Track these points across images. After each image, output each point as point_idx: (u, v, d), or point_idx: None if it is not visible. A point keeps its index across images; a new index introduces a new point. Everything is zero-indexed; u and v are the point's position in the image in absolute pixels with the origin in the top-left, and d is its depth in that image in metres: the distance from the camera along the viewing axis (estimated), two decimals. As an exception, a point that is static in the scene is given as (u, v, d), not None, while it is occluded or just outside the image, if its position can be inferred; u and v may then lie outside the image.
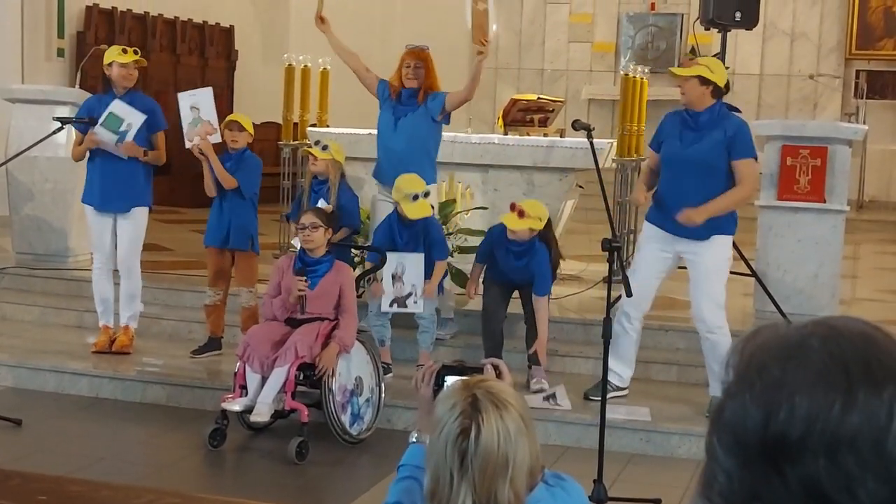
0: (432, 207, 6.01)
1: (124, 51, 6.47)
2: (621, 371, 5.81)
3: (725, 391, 0.97)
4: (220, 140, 6.30)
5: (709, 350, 5.58)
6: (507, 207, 5.99)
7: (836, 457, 0.89)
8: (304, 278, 5.43)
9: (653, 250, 5.63)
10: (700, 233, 5.46)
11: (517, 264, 5.91)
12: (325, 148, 6.37)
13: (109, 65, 6.42)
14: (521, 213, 5.82)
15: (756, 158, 5.51)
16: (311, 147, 6.52)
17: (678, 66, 5.72)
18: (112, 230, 6.52)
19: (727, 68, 7.80)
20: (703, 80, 5.40)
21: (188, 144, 6.32)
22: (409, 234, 6.02)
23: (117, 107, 6.33)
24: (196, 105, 6.34)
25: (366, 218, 6.88)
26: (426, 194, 5.92)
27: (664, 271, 5.70)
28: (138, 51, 6.56)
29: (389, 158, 6.46)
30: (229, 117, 6.42)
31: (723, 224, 5.53)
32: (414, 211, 5.88)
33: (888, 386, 0.91)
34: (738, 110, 5.76)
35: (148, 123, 6.42)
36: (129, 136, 6.30)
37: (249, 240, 6.40)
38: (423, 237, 6.03)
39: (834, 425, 0.90)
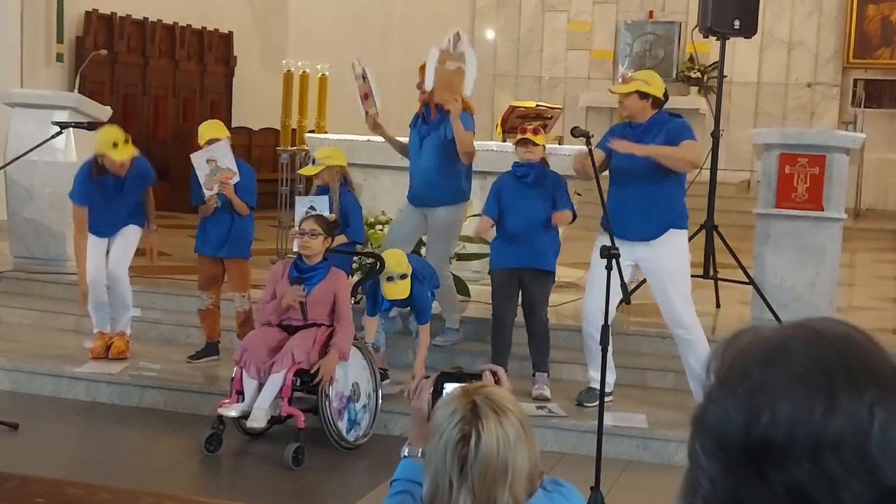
0: (412, 284, 5.83)
1: (115, 145, 6.19)
2: (607, 377, 5.78)
3: (707, 395, 0.96)
4: (238, 180, 6.23)
5: (690, 352, 5.64)
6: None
7: (820, 461, 0.89)
8: (302, 286, 5.44)
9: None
10: (652, 231, 5.57)
11: (535, 192, 5.88)
12: (313, 161, 6.32)
13: (102, 154, 6.21)
14: (536, 131, 5.93)
15: (696, 141, 5.64)
16: (304, 167, 6.42)
17: (618, 84, 5.83)
18: (105, 248, 6.53)
19: (725, 77, 7.85)
20: (642, 95, 5.60)
21: (208, 194, 6.22)
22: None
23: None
24: (213, 158, 6.21)
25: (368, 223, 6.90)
26: (402, 276, 5.76)
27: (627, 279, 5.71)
28: (129, 138, 6.31)
29: (418, 178, 6.42)
30: (206, 131, 6.35)
31: (674, 219, 5.65)
32: (390, 292, 5.78)
33: (869, 388, 0.90)
34: (680, 117, 5.83)
35: (141, 181, 6.43)
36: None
37: (246, 247, 6.42)
38: (410, 300, 5.93)
39: (817, 429, 0.89)
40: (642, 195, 5.56)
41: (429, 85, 6.25)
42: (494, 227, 6.05)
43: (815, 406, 0.90)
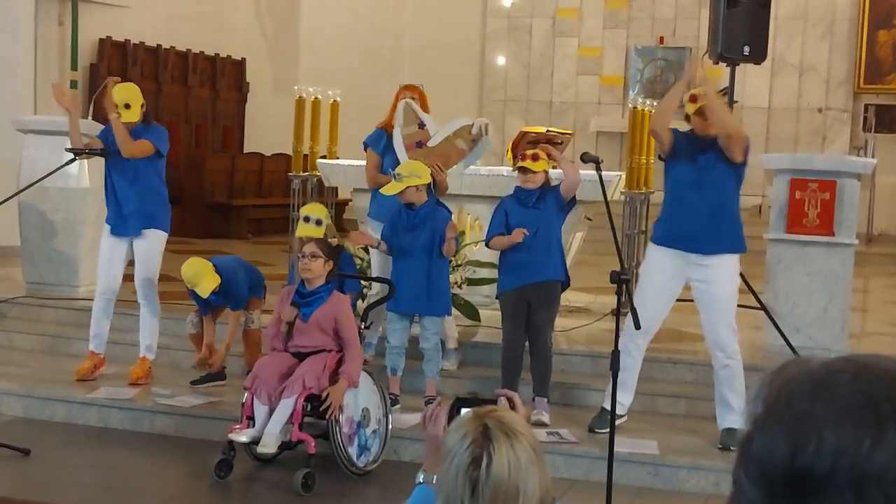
0: None
1: (127, 106, 6.41)
2: (622, 398, 5.74)
3: (754, 423, 0.97)
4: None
5: (726, 379, 5.58)
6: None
7: (863, 493, 0.89)
8: (297, 310, 5.49)
9: (663, 279, 5.62)
10: (713, 247, 5.54)
11: (537, 213, 5.91)
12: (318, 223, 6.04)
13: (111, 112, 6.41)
14: (536, 157, 5.93)
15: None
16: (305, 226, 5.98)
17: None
18: (123, 258, 6.56)
19: (735, 102, 7.86)
20: None
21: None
22: (411, 221, 6.03)
23: None
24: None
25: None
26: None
27: (673, 298, 5.72)
28: (145, 107, 6.58)
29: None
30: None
31: (737, 241, 5.63)
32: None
33: None
34: None
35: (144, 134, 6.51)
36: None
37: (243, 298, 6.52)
38: (430, 223, 6.02)
39: (863, 461, 0.90)
40: (710, 206, 5.54)
41: (433, 143, 6.44)
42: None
43: (863, 438, 0.90)
